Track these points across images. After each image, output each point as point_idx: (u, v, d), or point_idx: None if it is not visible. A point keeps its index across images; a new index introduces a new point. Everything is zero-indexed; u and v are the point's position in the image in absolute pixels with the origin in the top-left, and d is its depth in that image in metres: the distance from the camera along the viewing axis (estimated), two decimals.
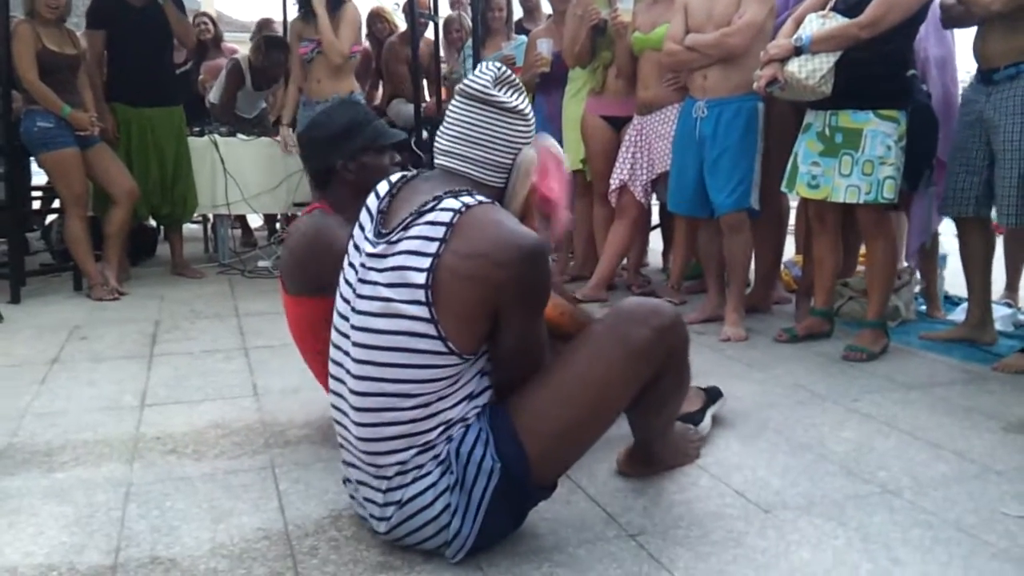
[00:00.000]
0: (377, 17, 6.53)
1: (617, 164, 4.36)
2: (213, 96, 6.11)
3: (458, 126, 1.82)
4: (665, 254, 5.47)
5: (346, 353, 1.79)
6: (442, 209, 1.70)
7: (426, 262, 1.67)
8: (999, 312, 3.82)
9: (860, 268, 4.23)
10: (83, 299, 4.64)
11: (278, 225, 6.72)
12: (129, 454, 2.42)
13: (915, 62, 3.51)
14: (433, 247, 1.67)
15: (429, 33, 6.05)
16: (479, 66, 1.89)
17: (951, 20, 3.45)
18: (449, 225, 1.67)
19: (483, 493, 1.74)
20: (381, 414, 1.73)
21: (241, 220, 6.93)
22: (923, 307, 4.22)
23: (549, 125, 4.97)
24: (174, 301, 4.58)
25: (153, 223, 6.03)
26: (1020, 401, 2.83)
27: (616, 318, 1.86)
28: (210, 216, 6.11)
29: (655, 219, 5.33)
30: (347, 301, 1.82)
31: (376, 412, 1.73)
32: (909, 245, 4.03)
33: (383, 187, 1.89)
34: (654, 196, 4.55)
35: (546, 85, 4.93)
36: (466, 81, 1.83)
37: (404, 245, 1.71)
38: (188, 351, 3.53)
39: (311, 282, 2.32)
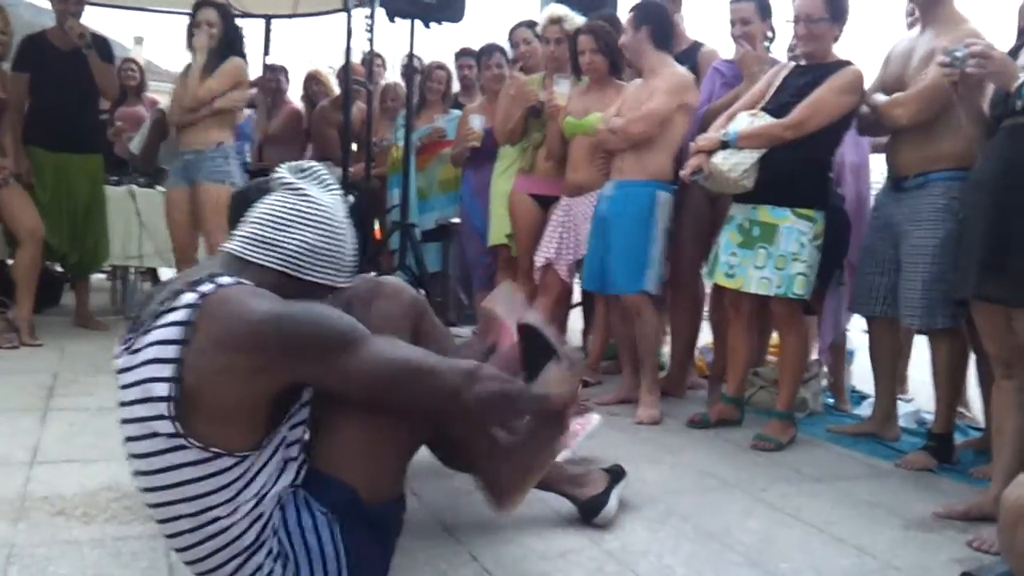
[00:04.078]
0: (313, 80, 6.55)
1: (543, 242, 4.40)
2: (134, 146, 6.00)
3: (254, 215, 1.73)
4: (585, 333, 5.51)
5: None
6: (179, 307, 1.55)
7: (169, 369, 1.52)
8: (903, 409, 3.93)
9: (770, 358, 4.33)
10: None
11: None
12: (15, 513, 2.29)
13: (832, 166, 3.66)
14: (173, 351, 1.53)
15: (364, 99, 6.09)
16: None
17: (865, 128, 3.61)
18: (187, 324, 1.53)
19: (334, 551, 1.67)
20: (187, 536, 1.63)
21: (152, 274, 6.76)
22: (831, 400, 4.32)
23: (476, 199, 5.02)
24: (75, 354, 4.40)
25: (60, 270, 5.84)
26: (921, 498, 2.89)
27: (356, 307, 1.86)
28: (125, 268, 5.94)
29: (576, 298, 5.38)
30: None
31: (183, 536, 1.64)
32: (821, 341, 4.13)
33: (147, 287, 1.79)
34: (576, 276, 4.59)
35: (476, 160, 4.98)
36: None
37: (145, 354, 1.56)
38: (86, 407, 3.39)
39: None
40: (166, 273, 6.97)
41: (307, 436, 1.73)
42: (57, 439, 2.96)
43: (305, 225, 1.69)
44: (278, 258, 1.67)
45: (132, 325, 1.66)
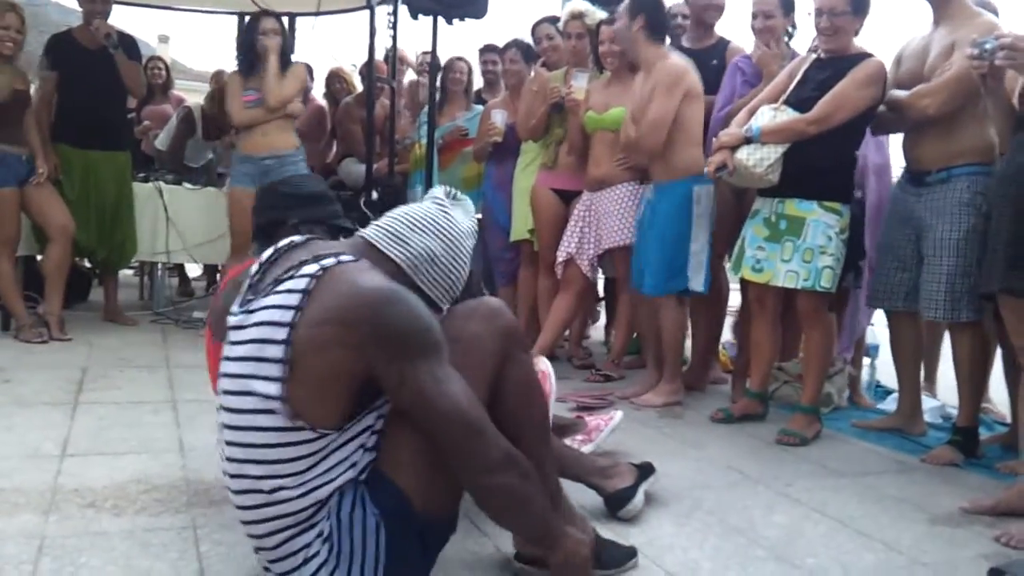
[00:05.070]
0: (336, 77, 6.58)
1: (565, 237, 4.40)
2: (160, 143, 6.06)
3: (395, 213, 1.84)
4: (608, 328, 5.51)
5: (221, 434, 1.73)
6: (300, 276, 1.63)
7: (283, 332, 1.59)
8: (929, 404, 3.90)
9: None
10: (10, 340, 4.50)
11: (218, 276, 6.63)
12: (46, 505, 2.32)
13: (857, 161, 3.63)
14: (289, 316, 1.59)
15: (387, 96, 6.10)
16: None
17: (881, 127, 3.59)
18: (305, 292, 1.60)
19: (375, 553, 1.68)
20: (253, 496, 1.67)
21: (179, 269, 6.82)
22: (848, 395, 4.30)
23: (498, 194, 5.03)
24: (104, 348, 4.46)
25: (88, 266, 5.90)
26: (947, 493, 2.87)
27: (447, 320, 1.85)
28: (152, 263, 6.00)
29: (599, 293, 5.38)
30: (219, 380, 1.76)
31: (248, 494, 1.68)
32: (841, 341, 4.11)
33: (266, 255, 1.83)
34: (600, 271, 4.59)
35: (498, 155, 5.00)
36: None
37: (260, 316, 1.64)
38: (114, 401, 3.43)
39: None
40: (193, 269, 7.06)
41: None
42: (87, 432, 3.00)
43: (437, 236, 1.80)
44: (404, 254, 1.77)
45: (251, 288, 1.75)
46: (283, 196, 2.53)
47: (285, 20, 6.92)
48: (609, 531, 2.26)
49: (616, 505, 2.43)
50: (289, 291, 1.61)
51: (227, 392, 1.69)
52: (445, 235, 1.81)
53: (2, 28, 4.46)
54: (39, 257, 4.96)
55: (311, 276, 1.61)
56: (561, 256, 4.41)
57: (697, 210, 3.81)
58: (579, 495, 2.40)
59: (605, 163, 4.25)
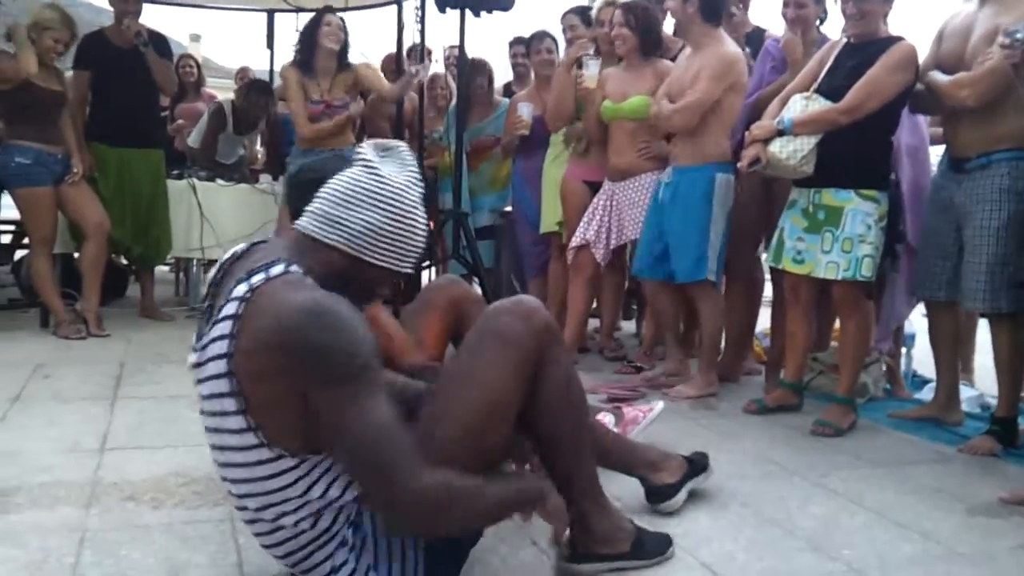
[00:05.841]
0: None
1: (581, 224, 4.38)
2: (192, 140, 6.12)
3: (325, 191, 1.70)
4: (639, 319, 5.49)
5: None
6: (232, 299, 1.54)
7: (224, 365, 1.53)
8: (966, 393, 3.85)
9: (834, 343, 4.26)
10: (49, 337, 4.58)
11: None
12: (86, 499, 2.36)
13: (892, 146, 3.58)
14: (226, 346, 1.52)
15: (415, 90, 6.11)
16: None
17: (919, 108, 3.54)
18: (236, 318, 1.52)
19: (415, 555, 1.69)
20: (259, 524, 1.68)
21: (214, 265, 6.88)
22: (888, 386, 4.25)
23: (526, 187, 5.03)
24: (141, 343, 4.52)
25: (124, 263, 5.98)
26: (985, 483, 2.84)
27: (482, 318, 1.86)
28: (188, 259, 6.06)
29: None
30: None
31: (254, 524, 1.69)
32: (880, 330, 4.06)
33: (211, 274, 1.73)
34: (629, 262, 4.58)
35: (526, 148, 4.99)
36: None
37: (210, 350, 1.57)
38: (152, 395, 3.48)
39: None
40: None
41: None
42: (126, 427, 3.05)
43: (373, 204, 1.65)
44: (343, 237, 1.64)
45: (206, 316, 1.68)
46: (307, 183, 2.51)
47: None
48: (644, 523, 2.25)
49: (656, 499, 2.43)
50: (225, 318, 1.54)
51: (208, 430, 1.66)
52: (381, 200, 1.65)
53: (53, 40, 4.53)
54: (76, 255, 5.02)
55: (240, 299, 1.53)
56: (575, 242, 4.40)
57: (718, 198, 3.78)
58: (615, 489, 2.38)
59: (627, 152, 4.22)
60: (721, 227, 3.80)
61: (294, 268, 1.58)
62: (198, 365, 1.61)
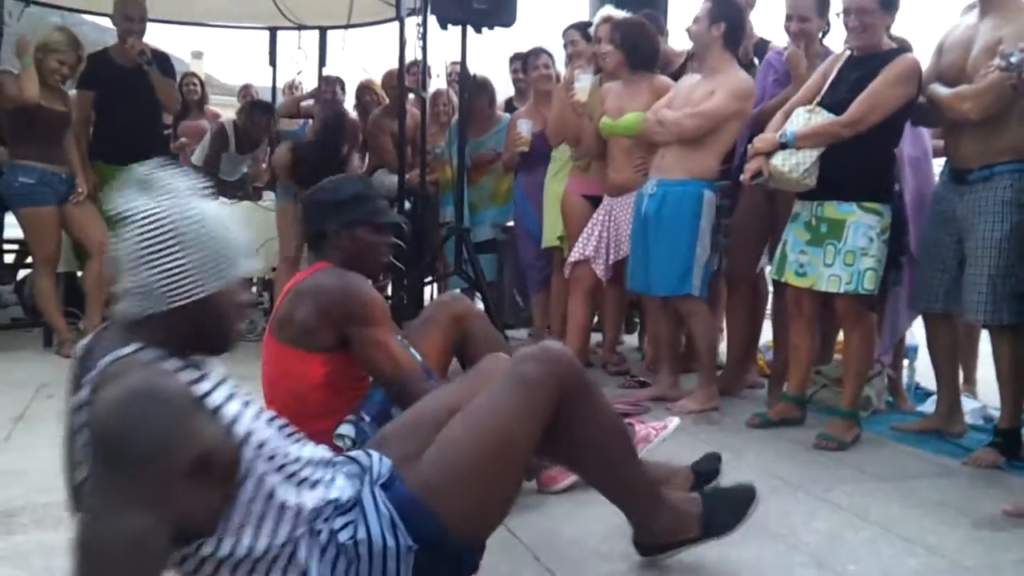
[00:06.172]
0: (367, 89, 6.61)
1: (580, 239, 4.41)
2: (196, 158, 6.14)
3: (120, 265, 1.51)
4: (641, 334, 5.50)
5: None
6: (75, 406, 1.47)
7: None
8: (969, 405, 3.85)
9: (837, 356, 4.26)
10: (52, 356, 4.59)
11: (254, 289, 6.69)
12: None
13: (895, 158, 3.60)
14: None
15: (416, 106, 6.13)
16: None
17: (921, 119, 3.55)
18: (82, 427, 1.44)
19: None
20: None
21: None
22: (890, 399, 4.25)
23: (528, 203, 5.06)
24: None
25: None
26: (990, 496, 2.84)
27: (510, 364, 1.90)
28: None
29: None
30: None
31: None
32: (882, 342, 4.05)
33: (74, 361, 1.59)
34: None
35: (527, 164, 5.02)
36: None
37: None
38: None
39: (335, 329, 2.34)
40: None
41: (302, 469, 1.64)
42: None
43: (159, 256, 1.48)
44: (148, 304, 1.49)
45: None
46: (322, 204, 2.53)
47: (315, 34, 7.04)
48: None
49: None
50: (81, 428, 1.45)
51: None
52: (161, 245, 1.48)
53: (58, 63, 4.57)
54: (79, 273, 5.04)
55: (82, 404, 1.45)
56: (573, 257, 4.42)
57: (705, 215, 3.80)
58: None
59: (624, 168, 4.25)
60: (707, 242, 3.82)
61: (115, 367, 1.45)
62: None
